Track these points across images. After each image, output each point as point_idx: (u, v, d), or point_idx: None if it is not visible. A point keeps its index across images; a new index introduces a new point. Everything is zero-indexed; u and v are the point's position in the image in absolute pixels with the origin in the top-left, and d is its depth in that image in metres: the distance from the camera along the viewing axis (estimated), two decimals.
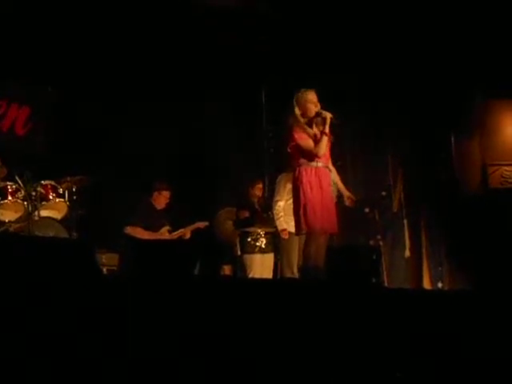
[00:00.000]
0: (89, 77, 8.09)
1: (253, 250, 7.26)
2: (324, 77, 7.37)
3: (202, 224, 7.47)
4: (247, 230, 7.29)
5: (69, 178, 7.34)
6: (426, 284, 7.96)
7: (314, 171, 5.76)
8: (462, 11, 7.50)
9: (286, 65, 8.07)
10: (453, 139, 8.03)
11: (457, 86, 7.80)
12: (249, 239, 7.27)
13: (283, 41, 8.09)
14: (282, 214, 6.88)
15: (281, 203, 6.92)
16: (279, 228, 6.92)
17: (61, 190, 7.27)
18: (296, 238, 6.46)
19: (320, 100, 5.87)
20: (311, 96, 5.84)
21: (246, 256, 7.25)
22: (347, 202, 6.07)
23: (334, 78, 7.62)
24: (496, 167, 7.95)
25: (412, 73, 7.90)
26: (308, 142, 5.78)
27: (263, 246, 7.28)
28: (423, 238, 8.16)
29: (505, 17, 7.45)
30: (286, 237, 6.80)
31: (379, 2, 7.66)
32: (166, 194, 7.42)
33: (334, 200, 6.02)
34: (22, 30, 7.74)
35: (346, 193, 6.08)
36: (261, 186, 7.61)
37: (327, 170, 5.88)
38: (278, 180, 7.10)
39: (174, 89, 8.27)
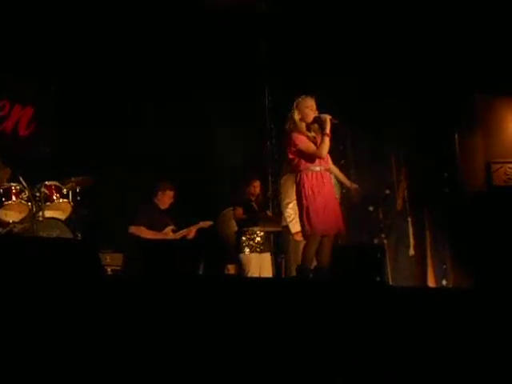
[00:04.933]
0: (91, 77, 8.12)
1: (248, 249, 7.20)
2: (326, 74, 7.39)
3: (205, 223, 7.47)
4: (244, 229, 7.22)
5: (73, 179, 7.35)
6: (431, 282, 7.94)
7: (315, 175, 5.87)
8: (464, 9, 7.49)
9: (286, 65, 8.07)
10: (456, 137, 8.02)
11: (460, 83, 7.78)
12: (243, 238, 7.21)
13: (283, 41, 8.10)
14: (293, 215, 6.80)
15: (291, 205, 6.85)
16: (292, 231, 6.88)
17: (65, 191, 7.28)
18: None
19: (322, 98, 5.99)
20: (310, 102, 5.98)
21: (242, 255, 7.20)
22: (354, 196, 6.15)
23: (335, 77, 7.62)
24: (500, 165, 7.92)
25: (415, 71, 7.88)
26: (309, 145, 5.91)
27: (258, 245, 7.21)
28: (427, 236, 8.13)
29: (507, 15, 7.44)
30: (301, 239, 6.60)
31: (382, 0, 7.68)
32: (170, 193, 7.43)
33: (338, 200, 6.05)
34: (25, 30, 7.76)
35: (352, 186, 6.17)
36: (257, 183, 7.47)
37: (328, 173, 5.96)
38: (282, 182, 7.04)
39: (177, 89, 8.29)
